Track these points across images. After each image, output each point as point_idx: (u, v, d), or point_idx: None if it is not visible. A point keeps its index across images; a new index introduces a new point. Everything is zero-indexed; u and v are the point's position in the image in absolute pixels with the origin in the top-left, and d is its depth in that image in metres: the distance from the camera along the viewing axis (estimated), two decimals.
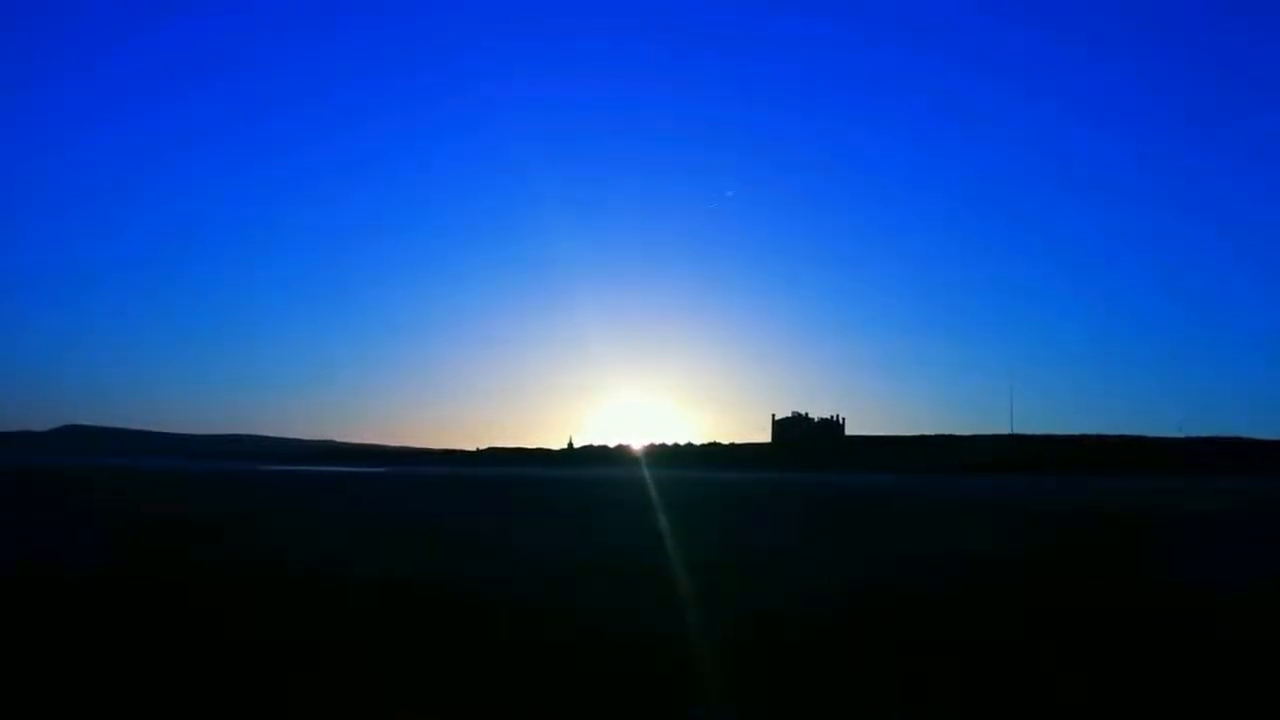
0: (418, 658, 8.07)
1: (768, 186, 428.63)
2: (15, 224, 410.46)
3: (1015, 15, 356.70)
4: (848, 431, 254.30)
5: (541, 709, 6.66)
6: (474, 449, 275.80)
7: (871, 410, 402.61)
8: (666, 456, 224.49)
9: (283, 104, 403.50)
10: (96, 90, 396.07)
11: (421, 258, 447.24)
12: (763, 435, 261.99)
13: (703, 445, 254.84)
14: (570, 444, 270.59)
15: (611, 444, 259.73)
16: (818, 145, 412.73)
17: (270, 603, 10.98)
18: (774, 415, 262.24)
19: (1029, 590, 12.99)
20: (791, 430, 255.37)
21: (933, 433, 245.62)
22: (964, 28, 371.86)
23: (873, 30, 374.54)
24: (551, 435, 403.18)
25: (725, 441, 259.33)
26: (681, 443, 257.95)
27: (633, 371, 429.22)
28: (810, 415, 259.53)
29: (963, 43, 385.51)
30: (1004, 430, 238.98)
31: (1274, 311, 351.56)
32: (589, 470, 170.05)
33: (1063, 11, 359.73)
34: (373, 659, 7.97)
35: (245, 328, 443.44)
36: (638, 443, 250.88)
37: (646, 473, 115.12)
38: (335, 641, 8.76)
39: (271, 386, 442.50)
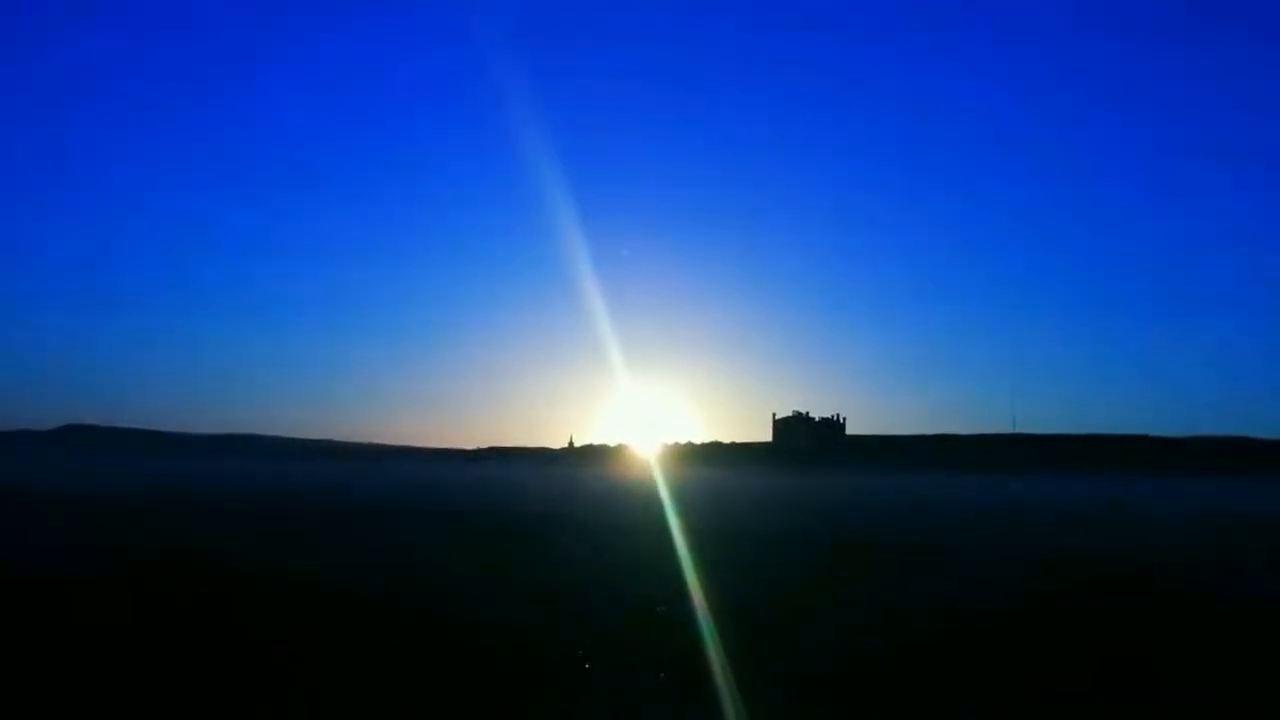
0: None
1: (768, 186, 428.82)
2: (15, 224, 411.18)
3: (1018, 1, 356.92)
4: (848, 431, 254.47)
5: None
6: (474, 448, 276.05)
7: (871, 410, 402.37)
8: (667, 455, 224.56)
9: (283, 104, 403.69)
10: (96, 89, 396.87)
11: (423, 257, 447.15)
12: (763, 434, 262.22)
13: (703, 444, 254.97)
14: (571, 443, 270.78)
15: (612, 443, 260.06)
16: (818, 146, 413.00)
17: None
18: (774, 415, 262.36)
19: None
20: (792, 430, 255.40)
21: (933, 433, 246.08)
22: (967, 24, 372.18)
23: (875, 28, 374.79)
24: (553, 434, 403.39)
25: (726, 441, 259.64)
26: (682, 442, 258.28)
27: (634, 370, 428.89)
28: (810, 415, 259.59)
29: (963, 41, 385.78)
30: (1004, 430, 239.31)
31: (1275, 310, 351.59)
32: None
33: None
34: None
35: (246, 327, 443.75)
36: (638, 442, 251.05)
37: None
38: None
39: (272, 386, 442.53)
